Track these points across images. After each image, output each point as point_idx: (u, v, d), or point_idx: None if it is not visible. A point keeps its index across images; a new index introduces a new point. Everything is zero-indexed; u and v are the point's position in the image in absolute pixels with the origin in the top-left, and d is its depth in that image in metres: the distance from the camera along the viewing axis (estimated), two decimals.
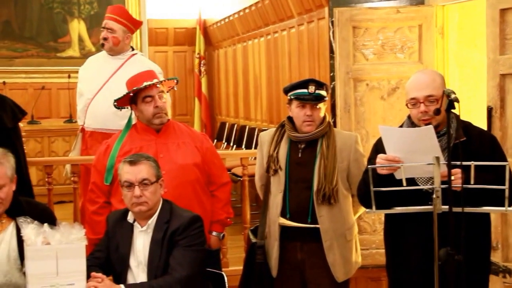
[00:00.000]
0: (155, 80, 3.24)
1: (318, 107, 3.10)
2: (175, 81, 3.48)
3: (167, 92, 3.43)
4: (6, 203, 2.87)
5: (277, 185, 3.16)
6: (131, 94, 3.27)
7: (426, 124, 2.62)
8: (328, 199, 3.04)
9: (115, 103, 3.36)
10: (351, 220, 3.19)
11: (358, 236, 3.31)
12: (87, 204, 3.43)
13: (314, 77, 5.46)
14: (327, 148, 3.09)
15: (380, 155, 2.66)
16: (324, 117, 3.16)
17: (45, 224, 2.65)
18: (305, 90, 3.08)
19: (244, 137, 7.32)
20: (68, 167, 4.41)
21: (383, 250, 3.04)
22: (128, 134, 3.36)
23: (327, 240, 3.08)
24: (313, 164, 3.10)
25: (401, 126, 2.86)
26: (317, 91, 3.08)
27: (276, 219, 3.14)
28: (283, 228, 3.14)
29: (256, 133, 6.98)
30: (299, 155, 3.14)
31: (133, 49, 4.57)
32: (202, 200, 3.30)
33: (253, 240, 3.24)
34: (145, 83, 3.22)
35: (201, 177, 3.31)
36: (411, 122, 2.80)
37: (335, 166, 3.07)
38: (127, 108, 3.46)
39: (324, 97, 3.11)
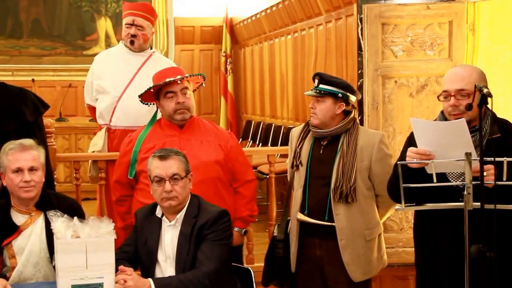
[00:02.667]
0: (178, 76, 3.26)
1: (321, 100, 3.07)
2: (202, 77, 3.49)
3: (195, 89, 3.44)
4: (39, 189, 2.92)
5: (298, 180, 3.16)
6: (153, 90, 3.30)
7: (457, 119, 2.59)
8: (346, 197, 3.01)
9: (140, 98, 3.39)
10: (373, 220, 3.14)
11: (383, 235, 3.27)
12: (111, 195, 3.54)
13: (342, 75, 5.49)
14: (347, 146, 3.06)
15: (411, 149, 2.64)
16: (347, 114, 3.12)
17: (75, 218, 2.69)
18: (314, 84, 3.11)
19: (270, 136, 7.30)
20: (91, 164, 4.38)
21: (410, 249, 3.01)
22: (152, 129, 3.38)
23: (342, 238, 3.04)
24: (333, 161, 3.07)
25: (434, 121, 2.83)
26: (320, 85, 3.07)
27: (295, 215, 3.15)
28: (302, 224, 3.14)
29: (282, 131, 6.96)
30: (321, 152, 3.13)
31: (151, 47, 4.56)
32: (224, 197, 3.30)
33: (275, 234, 3.25)
34: (167, 79, 3.25)
35: (223, 174, 3.31)
36: (444, 118, 2.76)
37: (354, 165, 3.03)
38: (153, 104, 3.48)
39: (327, 92, 3.06)
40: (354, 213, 3.05)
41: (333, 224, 3.05)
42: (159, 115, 3.50)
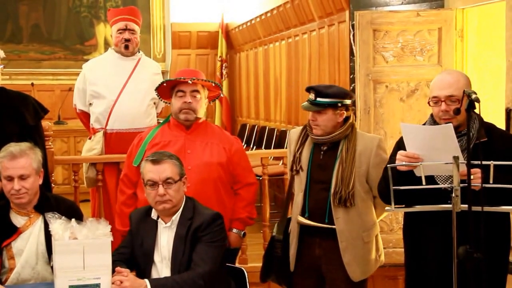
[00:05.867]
0: (193, 78, 3.34)
1: (322, 112, 3.09)
2: (217, 86, 3.53)
3: (213, 100, 3.57)
4: (32, 194, 2.94)
5: (299, 184, 3.20)
6: (167, 85, 3.41)
7: (446, 123, 2.64)
8: (344, 202, 3.06)
9: (156, 92, 3.48)
10: (370, 222, 3.19)
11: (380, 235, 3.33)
12: (118, 195, 3.53)
13: (334, 80, 5.56)
14: (346, 152, 3.10)
15: (400, 152, 2.70)
16: (346, 120, 3.15)
17: (73, 220, 2.72)
18: (310, 96, 3.12)
19: (264, 138, 7.38)
20: (85, 167, 4.45)
21: (400, 249, 3.05)
22: (161, 128, 3.46)
23: (343, 241, 3.10)
24: (333, 167, 3.12)
25: (424, 124, 2.87)
26: (318, 99, 3.08)
27: (296, 217, 3.20)
28: (302, 226, 3.19)
29: (275, 134, 7.05)
30: (321, 157, 3.17)
31: (139, 50, 4.64)
32: (223, 198, 3.36)
33: (274, 233, 3.30)
34: (177, 78, 3.35)
35: (224, 176, 3.37)
36: (433, 121, 2.81)
37: (353, 171, 3.08)
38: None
39: (327, 104, 3.08)
40: (353, 216, 3.10)
41: (333, 226, 3.11)
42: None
